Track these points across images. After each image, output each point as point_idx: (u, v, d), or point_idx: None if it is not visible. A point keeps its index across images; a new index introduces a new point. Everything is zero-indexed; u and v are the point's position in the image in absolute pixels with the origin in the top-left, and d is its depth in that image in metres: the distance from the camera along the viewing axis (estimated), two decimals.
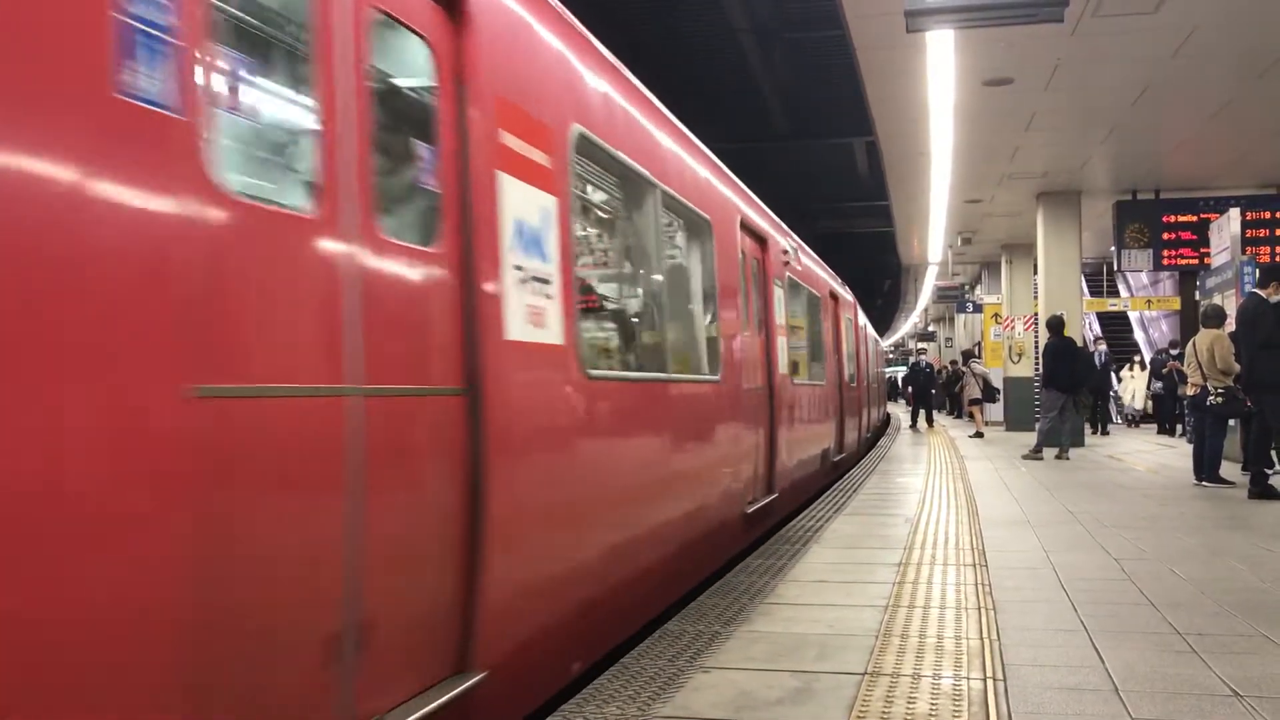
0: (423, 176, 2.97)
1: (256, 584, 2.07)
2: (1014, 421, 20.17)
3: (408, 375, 2.72)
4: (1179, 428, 17.54)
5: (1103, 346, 20.68)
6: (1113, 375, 20.99)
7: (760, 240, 8.03)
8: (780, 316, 8.41)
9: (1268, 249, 15.36)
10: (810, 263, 11.56)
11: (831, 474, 11.68)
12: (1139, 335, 29.17)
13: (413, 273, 2.80)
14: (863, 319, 18.83)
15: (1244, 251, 13.03)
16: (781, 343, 8.30)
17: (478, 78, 3.08)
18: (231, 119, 2.41)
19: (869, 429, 18.50)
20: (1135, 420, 21.64)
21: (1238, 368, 9.06)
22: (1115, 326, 29.66)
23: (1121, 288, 29.05)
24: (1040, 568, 5.57)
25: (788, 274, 9.14)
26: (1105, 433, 19.26)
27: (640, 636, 4.45)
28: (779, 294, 8.49)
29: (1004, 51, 9.75)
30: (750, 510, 6.88)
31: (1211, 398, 9.29)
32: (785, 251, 9.00)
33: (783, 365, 8.24)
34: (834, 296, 13.17)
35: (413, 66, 2.94)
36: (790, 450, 8.51)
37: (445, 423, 2.91)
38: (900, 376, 37.70)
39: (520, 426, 3.30)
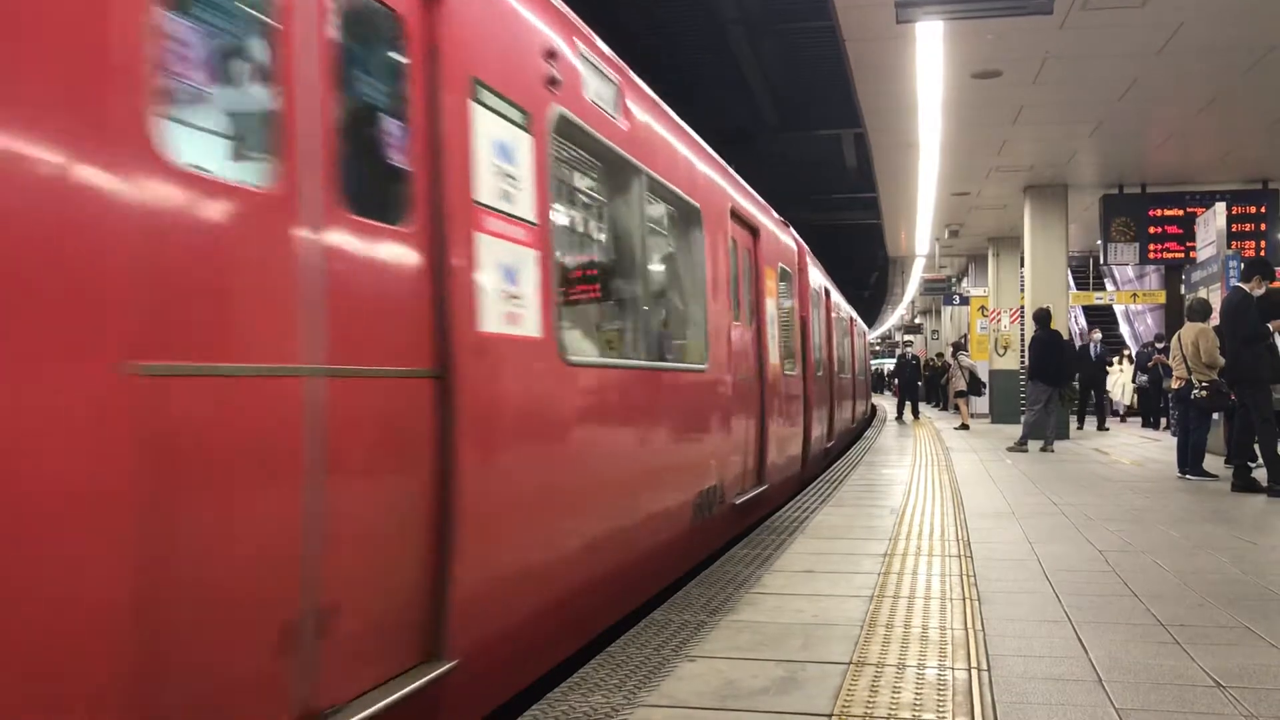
0: None
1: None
2: (999, 414, 20.28)
3: None
4: (1163, 421, 17.60)
5: (1097, 335, 20.41)
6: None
7: None
8: (514, 195, 3.57)
9: (1252, 243, 15.48)
10: (665, 134, 5.68)
11: (729, 529, 6.78)
12: (1124, 329, 29.32)
13: None
14: (821, 280, 13.52)
15: (1229, 246, 13.11)
16: (520, 261, 3.57)
17: None
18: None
19: (833, 436, 13.31)
20: (1122, 414, 21.69)
21: (1222, 361, 9.12)
22: (1101, 320, 29.80)
23: (1107, 281, 29.18)
24: (1025, 559, 5.59)
25: (576, 118, 4.22)
26: (1103, 427, 18.43)
27: None
28: (520, 153, 3.66)
29: (993, 44, 9.76)
30: None
31: (1196, 391, 9.35)
32: (576, 71, 4.28)
33: (526, 321, 3.59)
34: (751, 228, 7.98)
35: None
36: (509, 528, 3.48)
37: None
38: (888, 369, 37.85)
39: None
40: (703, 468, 6.04)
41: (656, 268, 5.99)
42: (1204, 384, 9.28)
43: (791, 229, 10.76)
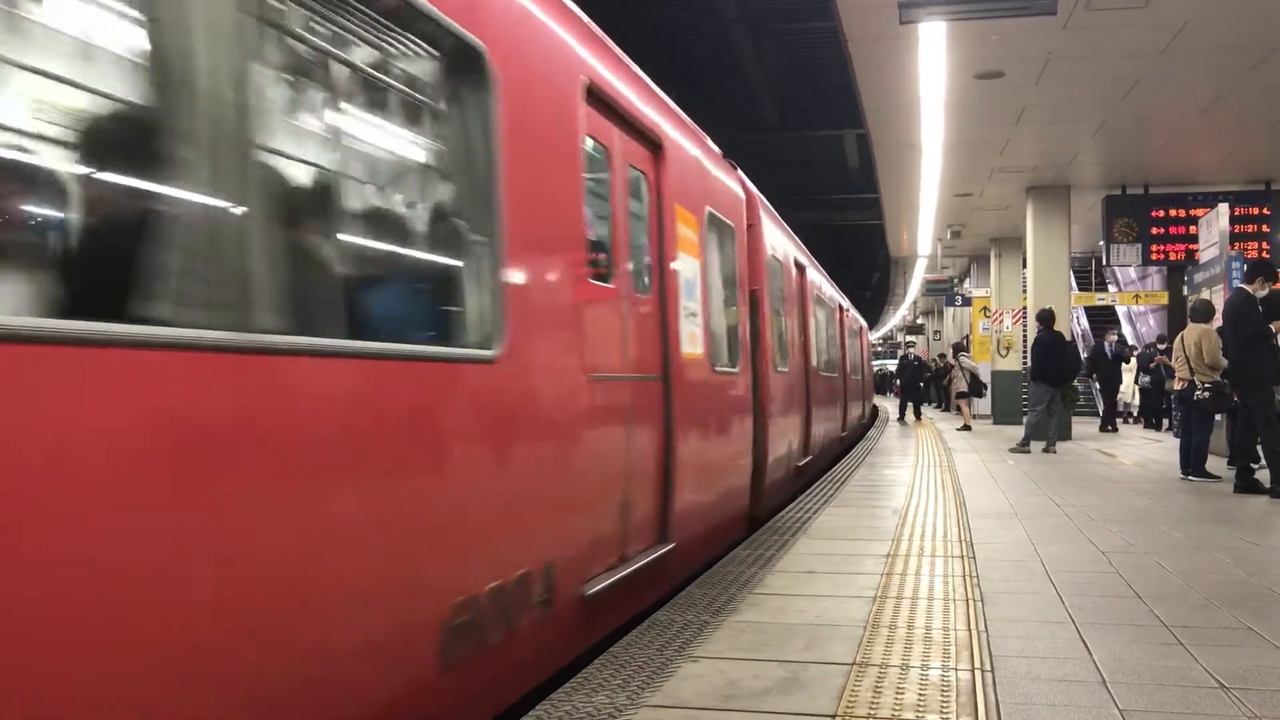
0: None
1: None
2: (1001, 415, 20.26)
3: None
4: (1165, 422, 17.56)
5: (1113, 336, 20.14)
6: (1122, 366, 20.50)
7: None
8: None
9: (1255, 244, 15.47)
10: None
11: (581, 634, 4.05)
12: (1127, 330, 29.30)
13: None
14: (789, 248, 10.21)
15: (1231, 247, 13.10)
16: None
17: None
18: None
19: (811, 450, 10.56)
20: (1125, 415, 21.62)
21: (1224, 362, 9.11)
22: (1103, 321, 29.77)
23: (1110, 282, 29.15)
24: (1028, 560, 5.58)
25: None
26: (1113, 429, 18.16)
27: None
28: None
29: (996, 44, 9.75)
30: None
31: (1198, 392, 9.34)
32: None
33: None
34: (647, 138, 5.08)
35: None
36: None
37: None
38: (890, 370, 37.83)
39: None
40: (479, 548, 3.20)
41: (336, 146, 3.28)
42: (1206, 385, 9.27)
43: (741, 173, 7.93)
